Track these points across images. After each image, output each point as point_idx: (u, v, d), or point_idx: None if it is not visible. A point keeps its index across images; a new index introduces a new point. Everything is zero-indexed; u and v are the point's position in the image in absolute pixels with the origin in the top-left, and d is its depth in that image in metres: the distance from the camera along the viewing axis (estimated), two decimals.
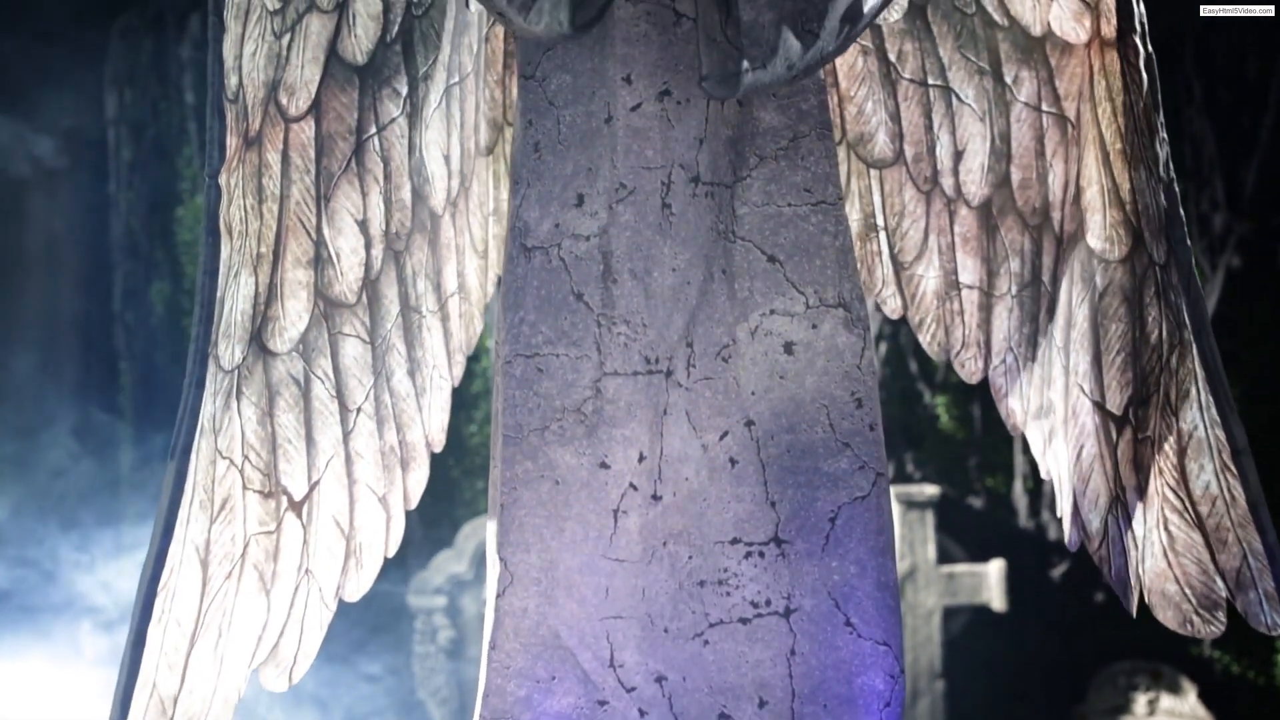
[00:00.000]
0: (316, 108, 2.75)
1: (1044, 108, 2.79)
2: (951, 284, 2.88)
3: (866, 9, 2.38)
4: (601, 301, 2.50)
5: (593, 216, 2.51)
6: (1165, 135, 2.69)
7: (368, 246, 2.79)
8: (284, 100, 2.73)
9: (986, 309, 2.87)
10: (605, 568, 2.46)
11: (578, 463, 2.48)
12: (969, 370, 2.89)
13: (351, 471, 2.78)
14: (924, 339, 2.91)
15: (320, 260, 2.75)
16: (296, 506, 2.72)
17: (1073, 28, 2.75)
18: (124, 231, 6.33)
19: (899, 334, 6.28)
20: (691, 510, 2.50)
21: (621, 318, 2.50)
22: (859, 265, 2.92)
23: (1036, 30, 2.78)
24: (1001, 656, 6.07)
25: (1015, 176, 2.81)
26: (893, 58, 2.85)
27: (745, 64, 2.29)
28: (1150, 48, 2.71)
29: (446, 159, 2.85)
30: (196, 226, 6.24)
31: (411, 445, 2.84)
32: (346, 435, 2.76)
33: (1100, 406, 2.77)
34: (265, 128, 2.73)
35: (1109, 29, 2.74)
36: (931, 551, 5.89)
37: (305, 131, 2.74)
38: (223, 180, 2.68)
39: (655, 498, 2.48)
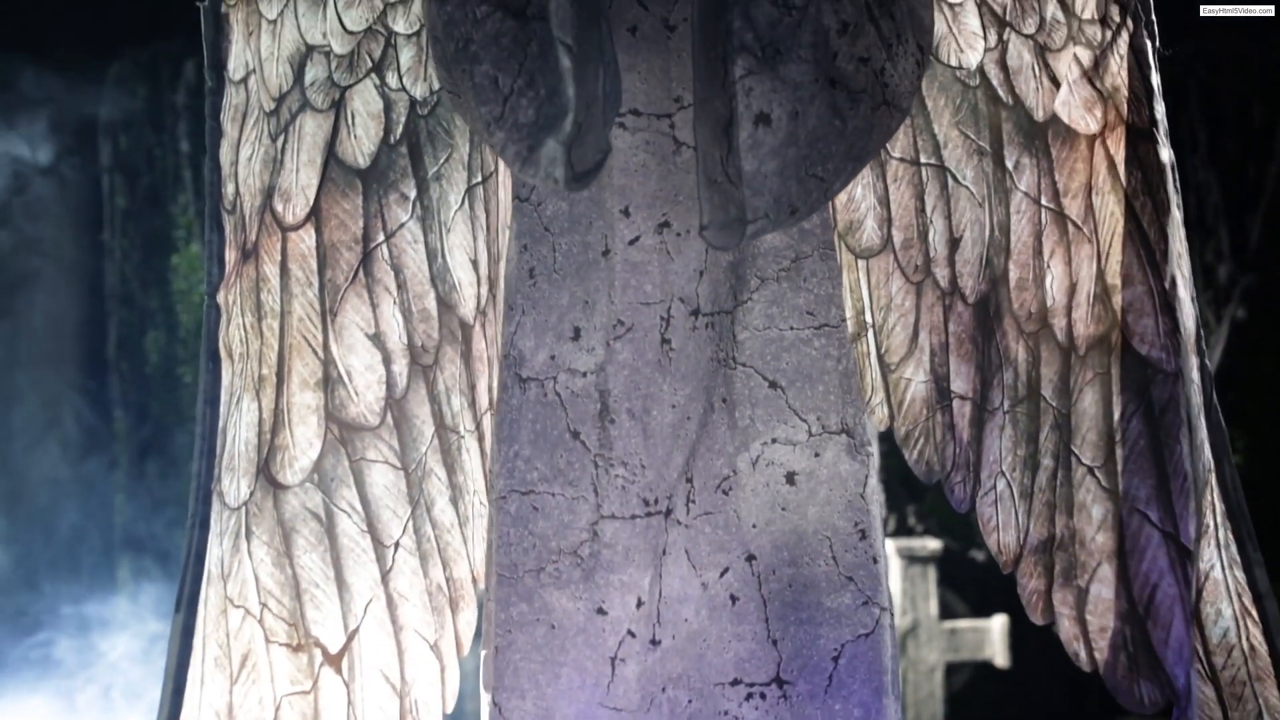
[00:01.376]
0: (316, 215, 2.62)
1: (1043, 202, 2.61)
2: (942, 391, 2.64)
3: (872, 145, 2.32)
4: (599, 441, 2.45)
5: (589, 353, 2.45)
6: (1181, 248, 2.56)
7: (387, 362, 2.62)
8: (279, 207, 2.61)
9: (978, 424, 2.62)
10: (603, 716, 2.40)
11: (574, 607, 2.42)
12: (957, 497, 2.60)
13: (396, 616, 2.58)
14: (910, 455, 2.66)
15: (330, 381, 2.59)
16: (334, 660, 2.55)
17: (1082, 116, 2.61)
18: (118, 279, 6.28)
19: None
20: (691, 652, 2.44)
21: (619, 459, 2.44)
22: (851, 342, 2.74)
23: (1040, 115, 2.63)
24: (1005, 713, 6.02)
25: (1013, 275, 2.62)
26: None
27: (748, 216, 2.23)
28: (1170, 151, 2.55)
29: (474, 264, 2.68)
30: (192, 275, 6.20)
31: (459, 582, 2.63)
32: (385, 575, 2.57)
33: (1174, 539, 2.51)
34: (262, 238, 2.61)
35: (1137, 118, 2.56)
36: (933, 607, 5.84)
37: (305, 241, 2.62)
38: (222, 298, 2.57)
39: (654, 642, 2.43)
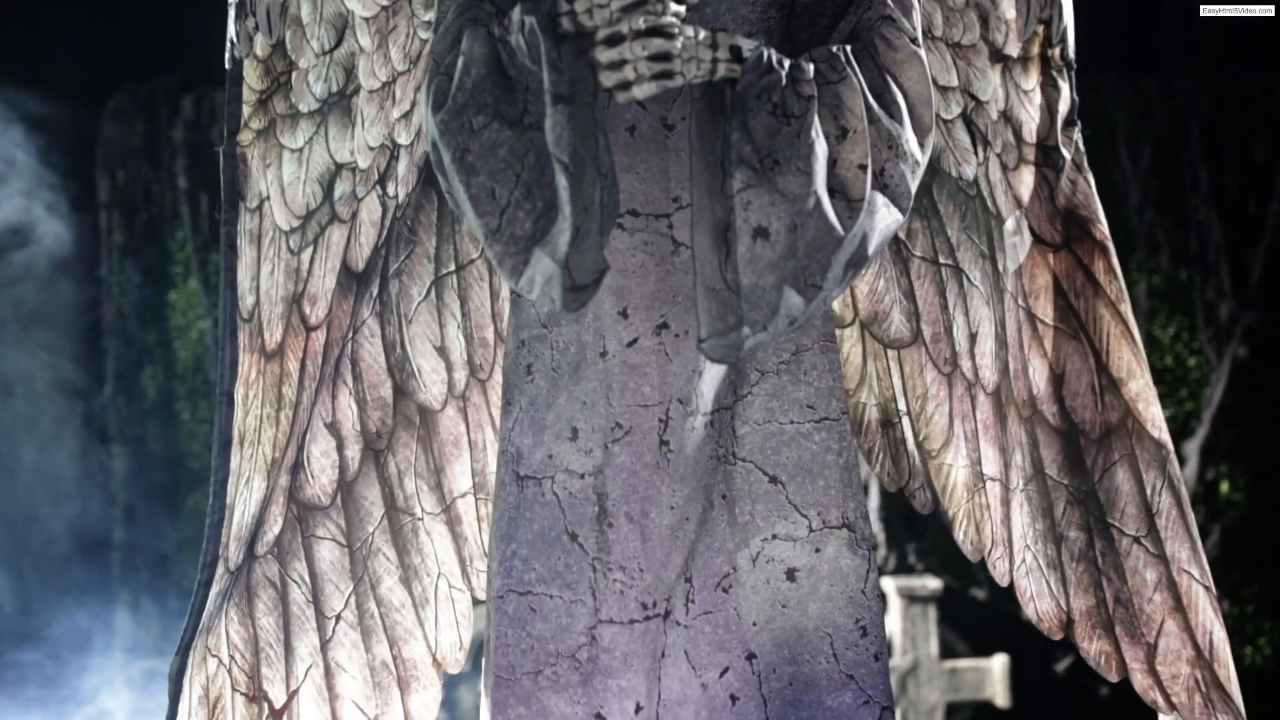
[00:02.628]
0: (329, 315, 2.77)
1: (1020, 302, 2.75)
2: (978, 475, 2.78)
3: (871, 251, 2.31)
4: (597, 545, 2.44)
5: (587, 454, 2.44)
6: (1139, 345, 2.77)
7: (340, 448, 2.77)
8: (307, 310, 2.76)
9: (1006, 504, 2.77)
10: None
11: (572, 711, 2.41)
12: (999, 572, 2.76)
13: (333, 684, 2.74)
14: (958, 536, 2.80)
15: (297, 466, 2.74)
16: (277, 715, 2.69)
17: (1047, 230, 2.75)
18: (116, 315, 6.27)
19: None
20: None
21: (617, 563, 2.43)
22: (881, 454, 2.86)
23: (1010, 225, 2.76)
24: None
25: (1011, 366, 2.75)
26: (902, 235, 2.78)
27: (746, 331, 2.22)
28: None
29: (441, 351, 2.82)
30: (189, 310, 6.19)
31: (412, 662, 2.77)
32: (325, 644, 2.72)
33: (1211, 590, 2.68)
34: (288, 338, 2.75)
35: (1100, 233, 2.73)
36: (934, 646, 5.82)
37: (319, 339, 2.77)
38: (238, 393, 2.71)
39: None
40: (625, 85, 2.18)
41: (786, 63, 2.26)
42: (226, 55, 2.83)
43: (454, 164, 2.26)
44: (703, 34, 2.23)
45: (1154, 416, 2.67)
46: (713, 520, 2.50)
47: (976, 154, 2.77)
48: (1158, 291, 6.09)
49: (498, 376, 2.85)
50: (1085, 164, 2.76)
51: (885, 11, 2.38)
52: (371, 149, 2.81)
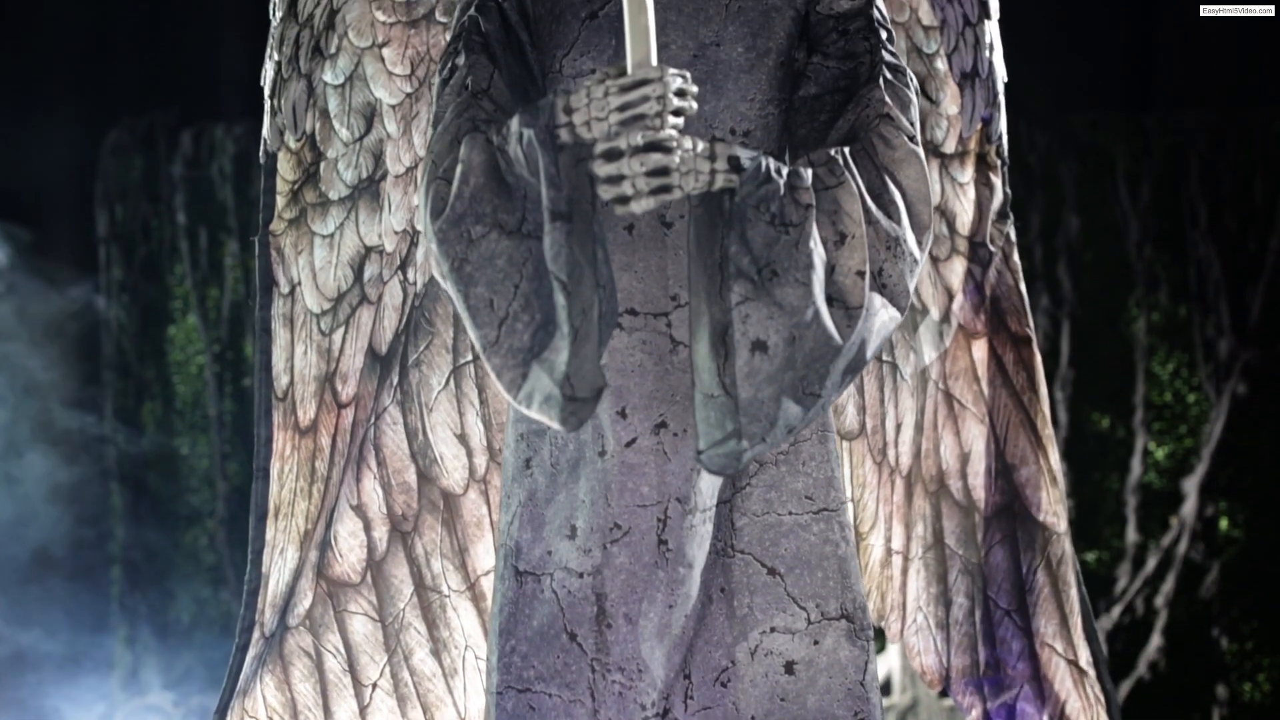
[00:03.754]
0: (357, 394, 2.91)
1: (939, 384, 2.96)
2: (887, 551, 3.01)
3: (869, 354, 2.31)
4: (595, 646, 2.44)
5: (586, 554, 2.45)
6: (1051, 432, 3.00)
7: (367, 529, 2.89)
8: (339, 387, 2.90)
9: (904, 572, 2.99)
10: None
11: None
12: (892, 632, 3.00)
13: None
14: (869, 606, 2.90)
15: (325, 543, 2.87)
16: None
17: (970, 318, 2.96)
18: (115, 350, 6.26)
19: None
20: None
21: (616, 664, 2.43)
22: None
23: (937, 315, 2.94)
24: None
25: (923, 446, 2.95)
26: None
27: (744, 444, 2.22)
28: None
29: (462, 438, 2.94)
30: (188, 346, 6.18)
31: None
32: (364, 709, 2.88)
33: (1075, 664, 2.92)
34: (321, 414, 2.89)
35: (1018, 326, 2.95)
36: None
37: (348, 417, 2.91)
38: (273, 469, 2.87)
39: None
40: (624, 200, 2.19)
41: (785, 170, 2.26)
42: (261, 150, 2.96)
43: (452, 273, 2.26)
44: (701, 145, 2.23)
45: (1040, 501, 2.92)
46: (711, 614, 2.50)
47: None
48: (1157, 328, 6.09)
49: None
50: (1015, 257, 2.97)
51: (883, 110, 2.39)
52: (396, 233, 2.92)
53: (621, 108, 2.17)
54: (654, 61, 2.15)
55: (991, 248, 2.95)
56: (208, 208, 6.10)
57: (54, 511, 6.14)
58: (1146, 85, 6.26)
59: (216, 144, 6.07)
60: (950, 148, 2.94)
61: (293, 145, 2.90)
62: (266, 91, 2.94)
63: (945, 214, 2.96)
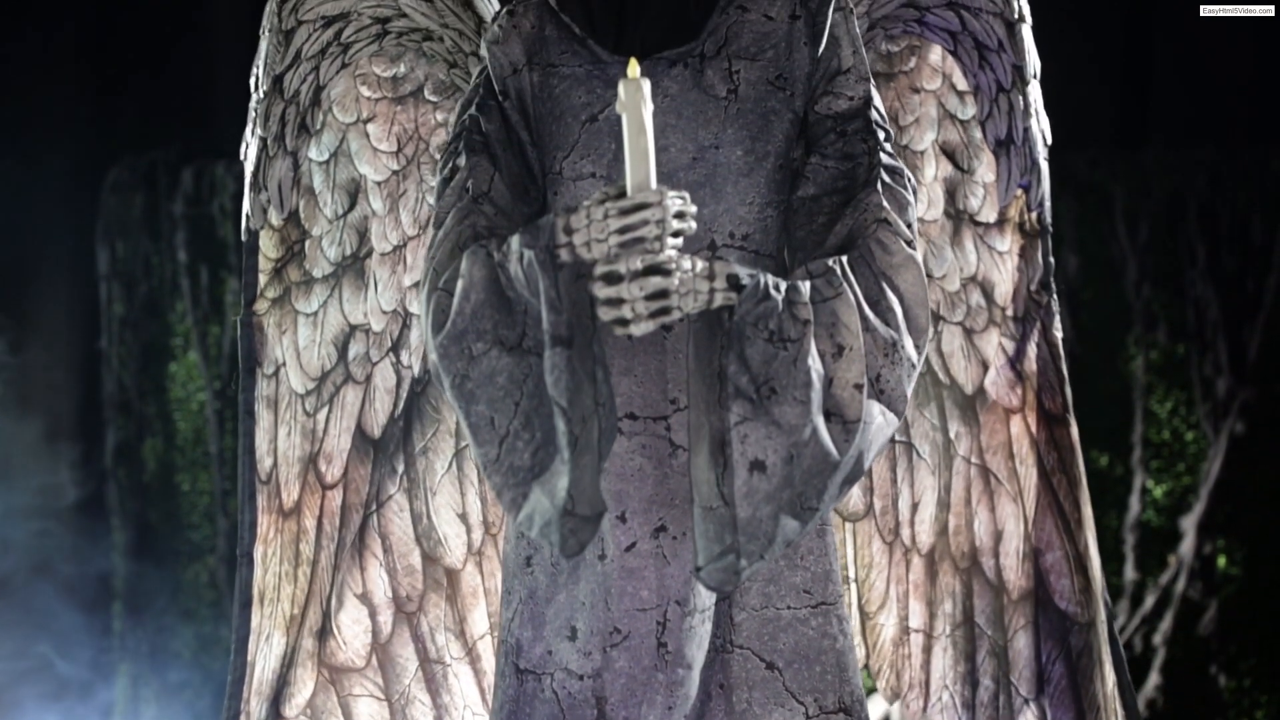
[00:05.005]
0: (345, 476, 2.90)
1: (972, 459, 2.91)
2: (904, 630, 2.97)
3: (867, 465, 2.33)
4: None
5: (586, 656, 2.46)
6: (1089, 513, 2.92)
7: (372, 615, 2.90)
8: (322, 468, 2.89)
9: (927, 650, 2.94)
10: None
11: None
12: (912, 710, 2.98)
13: None
14: (880, 685, 3.00)
15: (325, 632, 2.87)
16: None
17: (1005, 394, 2.90)
18: (116, 388, 6.27)
19: None
20: None
21: None
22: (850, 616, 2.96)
23: (969, 389, 2.89)
24: None
25: (951, 523, 2.90)
26: None
27: (743, 562, 2.23)
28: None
29: (463, 516, 2.96)
30: (189, 383, 6.19)
31: None
32: None
33: None
34: (304, 496, 2.88)
35: (1054, 405, 2.87)
36: None
37: (335, 499, 2.90)
38: (259, 552, 2.85)
39: None
40: (623, 322, 2.20)
41: (783, 286, 2.27)
42: (243, 228, 2.94)
43: (453, 390, 2.27)
44: (700, 265, 2.24)
45: (1064, 589, 2.86)
46: (710, 711, 2.52)
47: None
48: (1155, 366, 6.10)
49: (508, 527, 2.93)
50: (1055, 330, 2.90)
51: (881, 215, 2.40)
52: (385, 313, 2.92)
53: (621, 230, 2.18)
54: (653, 184, 2.16)
55: (1034, 317, 2.90)
56: (209, 245, 6.11)
57: (55, 547, 6.16)
58: (1144, 123, 6.28)
59: (217, 181, 6.09)
60: (988, 216, 2.90)
61: (275, 223, 2.89)
62: (248, 168, 2.92)
63: (982, 284, 2.92)
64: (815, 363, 2.23)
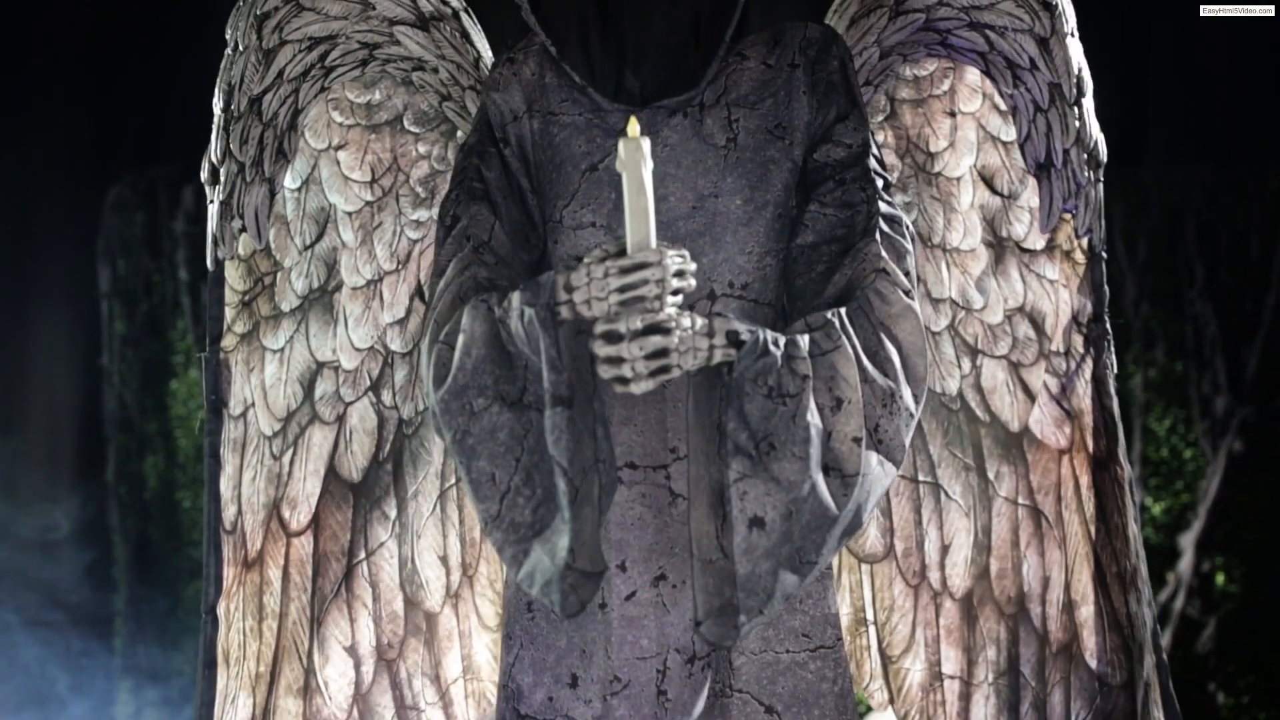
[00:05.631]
0: (315, 523, 2.76)
1: (1020, 501, 2.79)
2: (935, 675, 2.86)
3: (865, 517, 2.34)
4: None
5: (587, 704, 2.47)
6: (1143, 550, 2.75)
7: (357, 666, 2.81)
8: (286, 514, 2.75)
9: (966, 698, 2.85)
10: None
11: None
12: None
13: None
14: None
15: (309, 689, 2.77)
16: None
17: (1053, 433, 2.78)
18: (117, 405, 6.28)
19: None
20: None
21: None
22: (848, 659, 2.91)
23: (1015, 426, 2.79)
24: None
25: (994, 567, 2.80)
26: None
27: (742, 618, 2.25)
28: (1129, 466, 2.78)
29: (444, 559, 2.85)
30: (190, 400, 6.20)
31: None
32: None
33: None
34: (267, 544, 2.74)
35: (1097, 448, 2.75)
36: None
37: (304, 547, 2.76)
38: (222, 608, 2.71)
39: None
40: (623, 381, 2.21)
41: (782, 340, 2.28)
42: (208, 256, 2.76)
43: (455, 445, 2.28)
44: (699, 322, 2.25)
45: (1095, 648, 2.74)
46: None
47: (960, 365, 2.80)
48: (1154, 384, 6.11)
49: (483, 569, 2.90)
50: (1106, 364, 2.75)
51: (879, 265, 2.40)
52: (358, 350, 2.78)
53: (622, 289, 2.19)
54: (653, 243, 2.17)
55: (1080, 354, 2.77)
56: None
57: (56, 563, 6.17)
58: (1142, 142, 6.28)
59: None
60: (1035, 243, 2.78)
61: (243, 253, 2.74)
62: (218, 193, 2.72)
63: (1031, 315, 2.78)
64: (814, 417, 2.24)
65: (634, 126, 2.14)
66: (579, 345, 2.24)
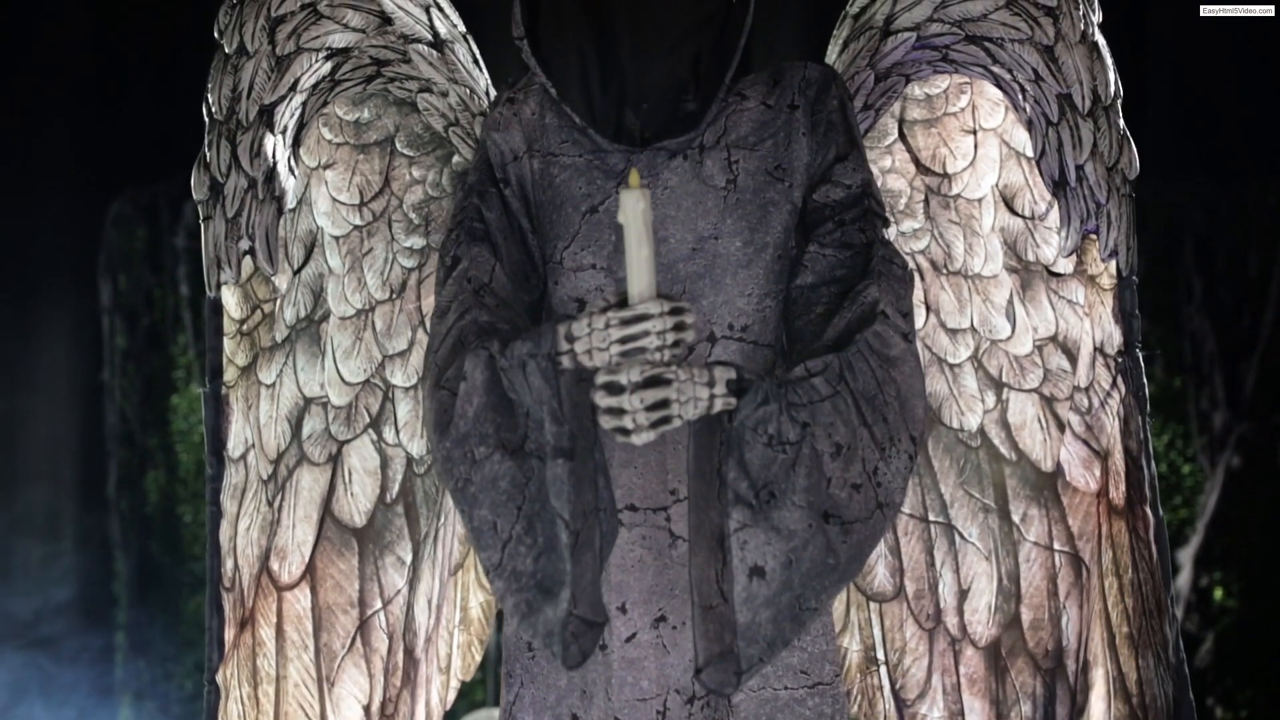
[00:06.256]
0: (311, 574, 2.61)
1: (1056, 546, 2.65)
2: None
3: (864, 562, 2.35)
4: None
5: None
6: (1177, 612, 2.58)
7: None
8: (275, 566, 2.59)
9: None
10: None
11: None
12: None
13: None
14: None
15: None
16: None
17: (1081, 474, 2.66)
18: (118, 420, 6.29)
19: None
20: None
21: None
22: (860, 697, 2.87)
23: (1047, 466, 2.67)
24: None
25: (1026, 617, 2.67)
26: None
27: (743, 665, 2.25)
28: (1160, 513, 2.56)
29: (430, 602, 2.71)
30: (191, 415, 6.21)
31: None
32: None
33: None
34: (258, 601, 2.59)
35: (1117, 493, 2.63)
36: None
37: (300, 602, 2.60)
38: (221, 677, 2.56)
39: None
40: (625, 432, 2.21)
41: (781, 388, 2.28)
42: (207, 280, 2.54)
43: (456, 494, 2.28)
44: (699, 372, 2.25)
45: (1099, 714, 2.63)
46: None
47: (984, 399, 2.70)
48: (1152, 400, 6.11)
49: (446, 609, 2.82)
50: (1139, 400, 2.56)
51: (879, 308, 2.40)
52: (349, 384, 2.62)
53: (623, 340, 2.19)
54: (654, 294, 2.18)
55: (1107, 388, 2.61)
56: None
57: (57, 577, 6.17)
58: (1140, 157, 6.28)
59: None
60: (1061, 266, 2.62)
61: (243, 277, 2.54)
62: (223, 213, 2.48)
63: (1065, 345, 2.62)
64: (814, 465, 2.25)
65: (635, 178, 2.15)
66: (580, 393, 2.24)
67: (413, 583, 2.66)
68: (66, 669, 6.13)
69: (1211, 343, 6.08)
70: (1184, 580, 6.08)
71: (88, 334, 6.28)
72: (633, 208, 2.11)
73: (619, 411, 2.20)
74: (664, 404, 2.21)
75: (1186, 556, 6.07)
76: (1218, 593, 6.14)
